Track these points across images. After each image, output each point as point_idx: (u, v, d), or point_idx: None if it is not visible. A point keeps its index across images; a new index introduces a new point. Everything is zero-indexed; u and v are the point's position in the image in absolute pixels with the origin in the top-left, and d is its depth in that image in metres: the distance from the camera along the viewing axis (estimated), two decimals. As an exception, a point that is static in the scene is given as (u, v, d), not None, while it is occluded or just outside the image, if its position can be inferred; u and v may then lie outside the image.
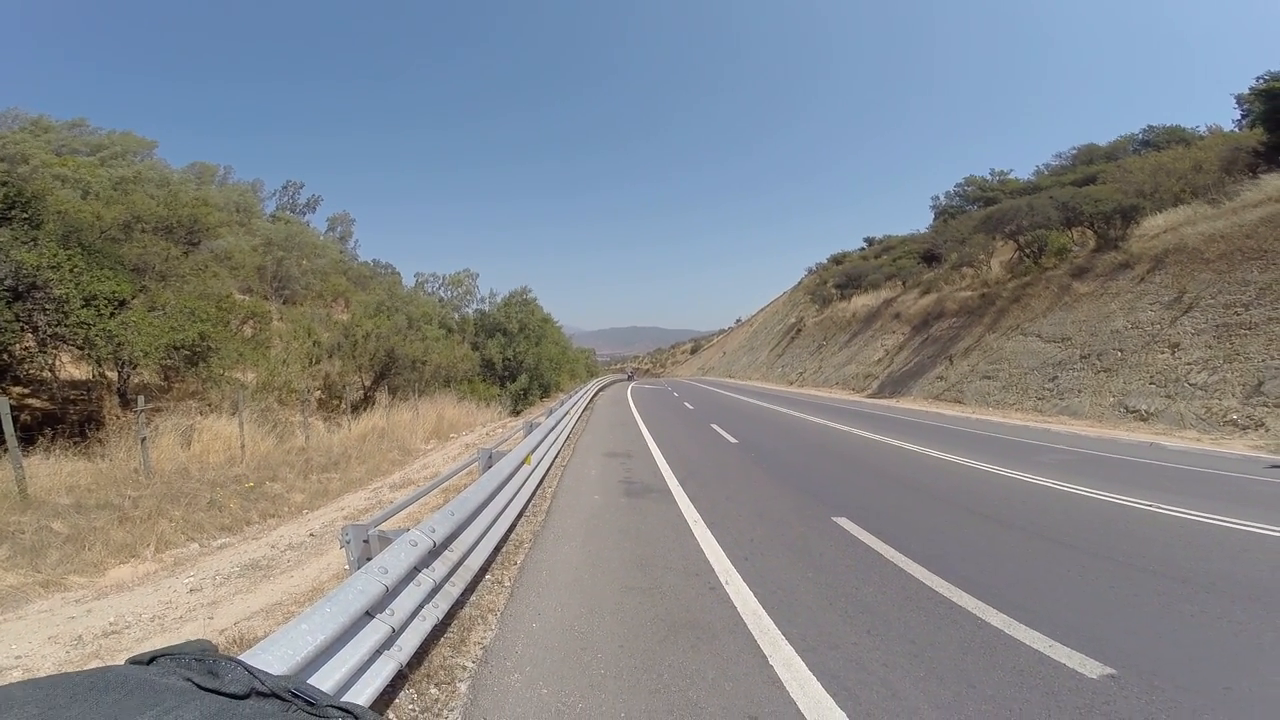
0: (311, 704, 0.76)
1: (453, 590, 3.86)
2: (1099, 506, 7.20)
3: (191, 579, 6.44)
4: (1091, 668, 3.36)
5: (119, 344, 10.37)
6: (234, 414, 11.43)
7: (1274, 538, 5.80)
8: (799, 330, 55.57)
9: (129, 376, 11.92)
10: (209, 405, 12.22)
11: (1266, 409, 12.86)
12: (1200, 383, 14.70)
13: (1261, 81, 21.50)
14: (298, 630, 2.16)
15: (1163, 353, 16.37)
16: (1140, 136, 34.74)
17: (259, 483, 9.69)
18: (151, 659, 0.77)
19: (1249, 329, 14.67)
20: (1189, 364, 15.38)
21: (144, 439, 8.86)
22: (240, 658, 0.82)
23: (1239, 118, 27.55)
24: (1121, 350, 17.74)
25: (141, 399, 9.23)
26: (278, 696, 0.75)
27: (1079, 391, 18.03)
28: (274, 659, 1.94)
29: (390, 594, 2.94)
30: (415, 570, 3.42)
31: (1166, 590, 4.52)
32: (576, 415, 18.21)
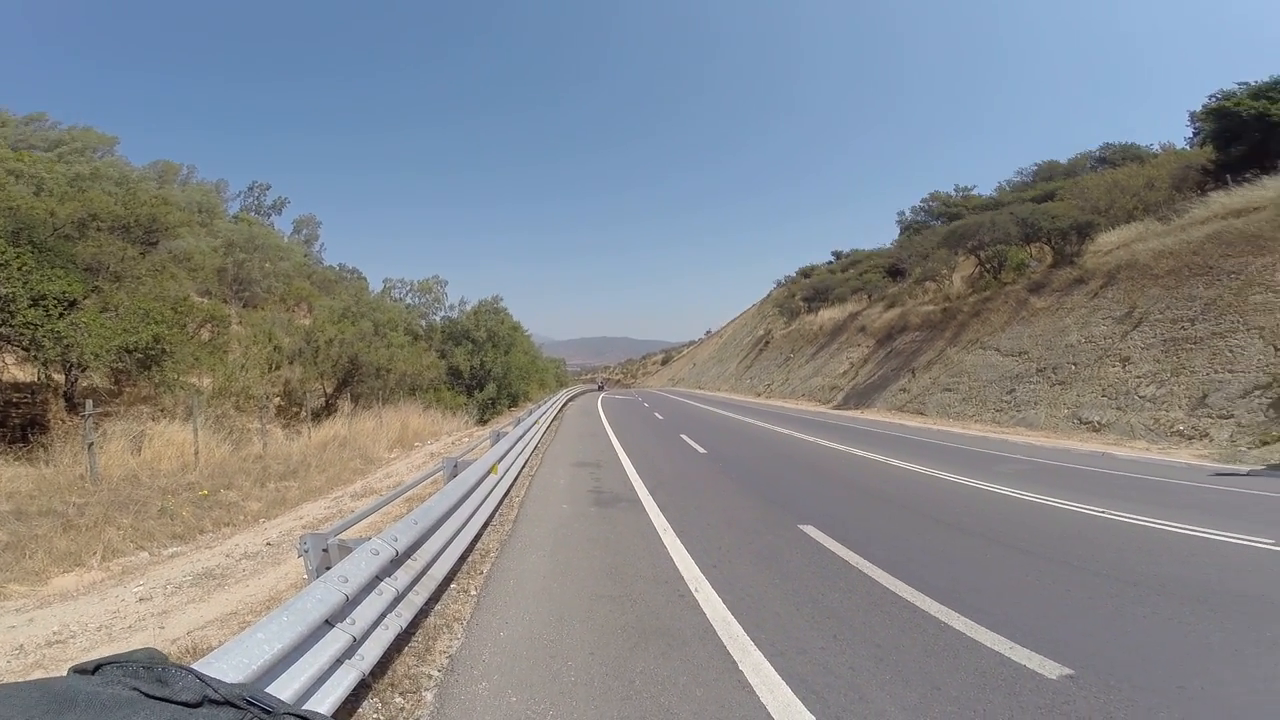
0: (268, 712, 0.74)
1: (416, 599, 3.77)
2: (1055, 513, 7.40)
3: (141, 588, 6.18)
4: (1050, 668, 3.44)
5: (67, 346, 9.95)
6: (188, 420, 11.05)
7: (1218, 541, 6.04)
8: (767, 343, 56.25)
9: (77, 380, 11.44)
10: (162, 411, 11.78)
11: (1210, 420, 13.43)
12: (1149, 395, 15.29)
13: (1213, 100, 22.31)
14: (253, 639, 2.08)
15: (1114, 366, 17.00)
16: (1098, 153, 36.09)
17: (213, 491, 9.36)
18: (96, 667, 0.73)
19: (1194, 343, 15.33)
20: (1139, 377, 16.00)
21: (91, 444, 8.49)
22: (193, 666, 0.79)
23: (1191, 135, 28.60)
24: (1075, 364, 18.36)
25: (90, 403, 8.85)
26: (231, 704, 0.72)
27: (1035, 404, 18.59)
28: (229, 668, 1.87)
29: (351, 603, 2.86)
30: (377, 579, 3.34)
31: (1120, 593, 4.66)
32: (545, 425, 18.08)
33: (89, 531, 7.10)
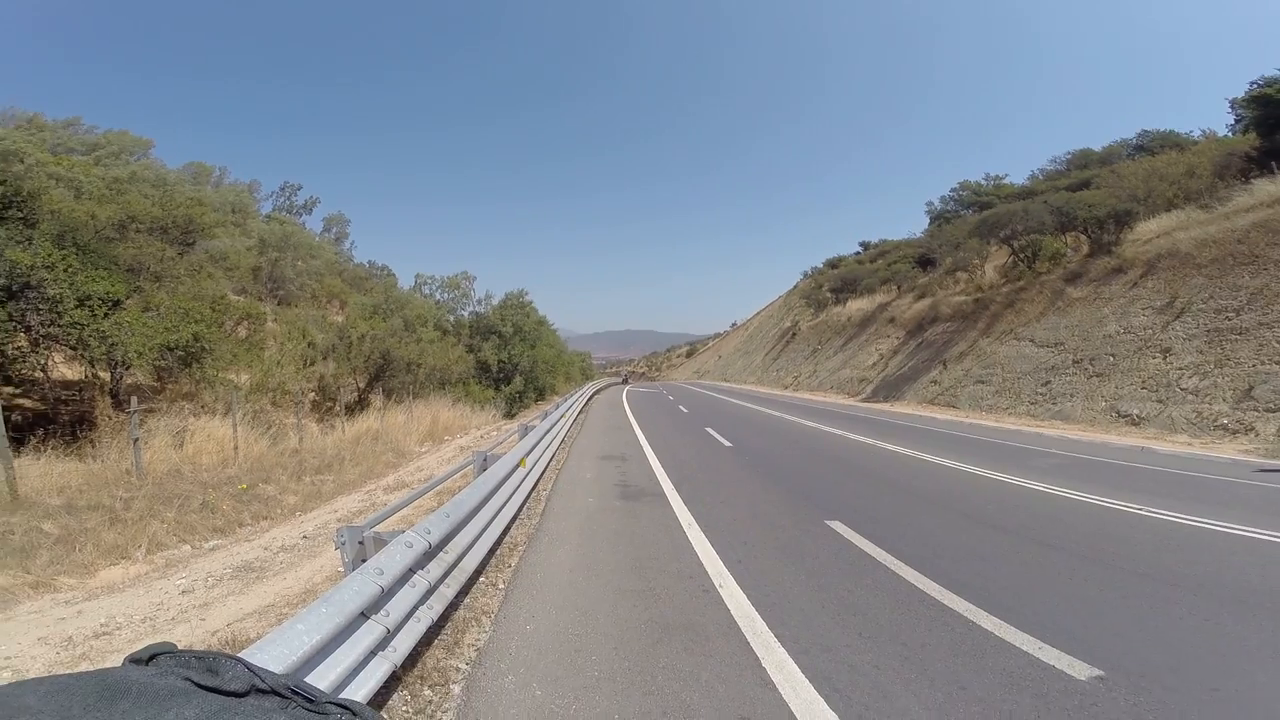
0: (311, 701, 0.76)
1: (447, 592, 3.87)
2: (1090, 510, 7.25)
3: (183, 580, 6.41)
4: (1080, 669, 3.40)
5: (112, 344, 10.33)
6: (227, 415, 11.40)
7: (1261, 540, 5.86)
8: (794, 334, 55.70)
9: (122, 377, 11.87)
10: (202, 407, 12.16)
11: (1256, 413, 12.97)
12: (1191, 387, 14.81)
13: (1255, 86, 21.54)
14: (294, 630, 2.17)
15: (1154, 358, 16.49)
16: (1135, 141, 34.87)
17: (252, 484, 9.65)
18: (150, 657, 0.76)
19: (1239, 334, 14.79)
20: (1180, 369, 15.50)
21: (136, 440, 8.82)
22: (248, 660, 0.83)
23: (1232, 122, 27.59)
24: (1114, 355, 17.86)
25: (135, 400, 9.19)
26: (277, 694, 0.75)
27: (1071, 396, 18.14)
28: (270, 659, 1.95)
29: (385, 595, 2.95)
30: (410, 572, 3.43)
31: (1155, 593, 4.56)
32: (571, 418, 18.22)
33: (134, 525, 7.38)
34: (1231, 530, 6.20)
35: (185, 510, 8.13)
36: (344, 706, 0.77)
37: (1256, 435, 12.42)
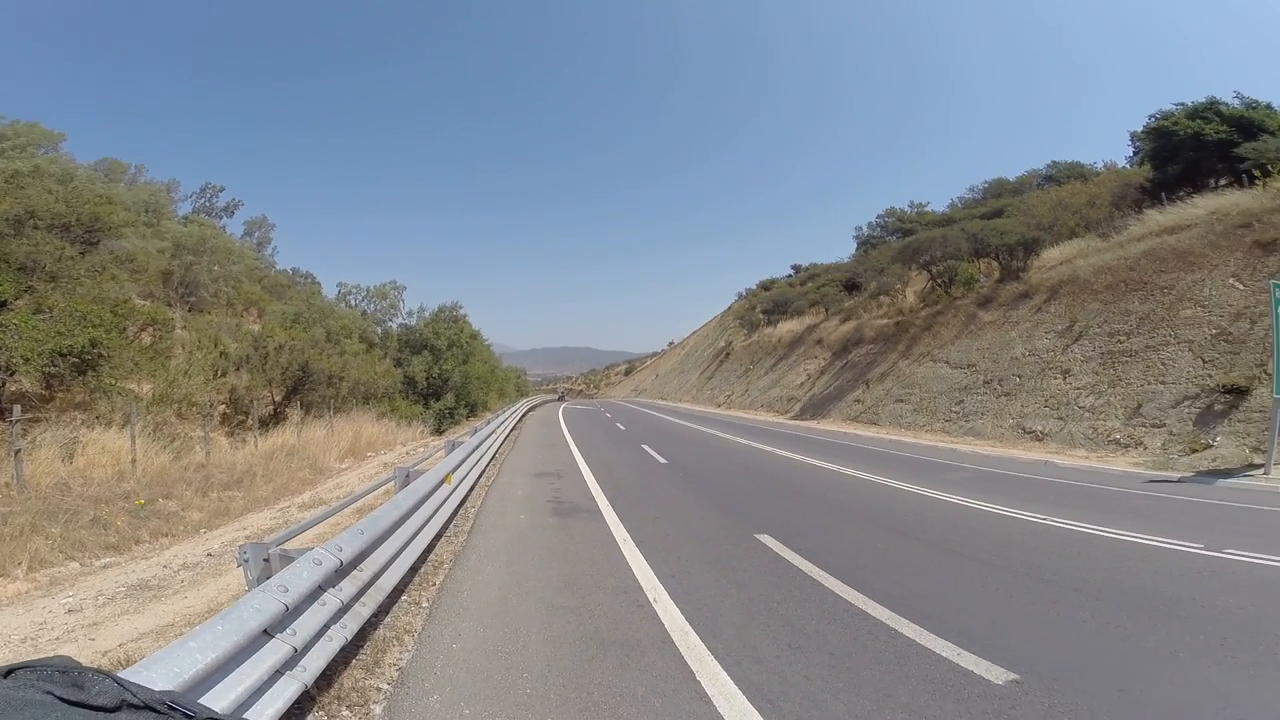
0: (189, 715, 0.73)
1: (363, 610, 3.66)
2: (999, 521, 7.65)
3: (70, 599, 5.85)
4: (997, 674, 3.53)
5: (-6, 349, 9.41)
6: (125, 427, 10.53)
7: (1151, 546, 6.32)
8: (728, 354, 56.80)
9: (4, 384, 10.80)
10: (97, 418, 11.19)
11: (1145, 429, 14.09)
12: (1088, 405, 15.97)
13: (1153, 120, 23.20)
14: (185, 648, 1.98)
15: (1056, 378, 17.70)
16: (1044, 171, 37.42)
17: (151, 500, 8.93)
18: (8, 672, 0.70)
19: (1130, 356, 16.09)
20: (1078, 388, 16.69)
21: (18, 450, 8.02)
22: (119, 674, 0.77)
23: (1131, 154, 29.66)
24: (1020, 376, 19.06)
25: (18, 408, 8.37)
26: (152, 709, 0.70)
27: (982, 414, 19.21)
28: (158, 676, 1.78)
29: (291, 613, 2.75)
30: (320, 589, 3.23)
31: (1060, 598, 4.82)
32: (504, 435, 17.85)
33: (14, 541, 6.70)
34: (1125, 537, 6.66)
35: (74, 526, 7.44)
36: None
37: (1145, 449, 13.48)
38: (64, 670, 0.71)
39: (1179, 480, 10.66)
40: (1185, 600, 4.72)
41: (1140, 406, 14.67)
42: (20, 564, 6.48)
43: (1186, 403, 13.82)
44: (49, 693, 0.67)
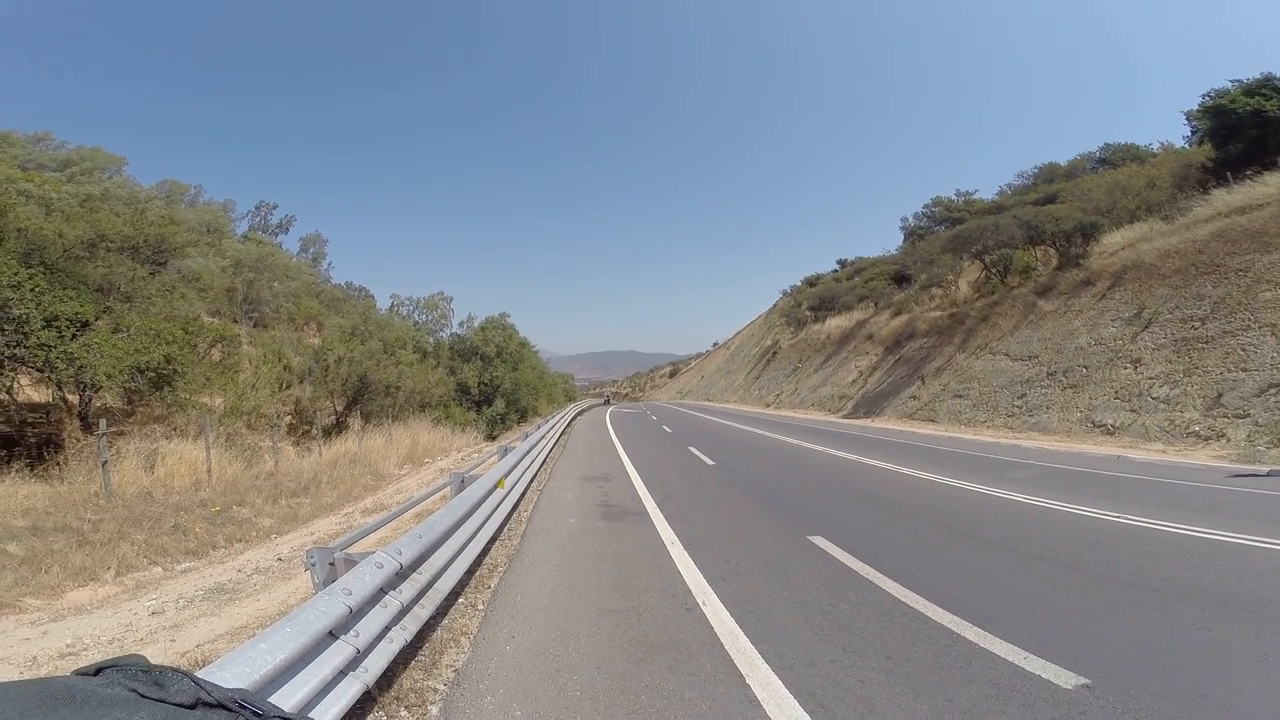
0: (259, 714, 0.77)
1: (422, 613, 3.76)
2: (1069, 519, 7.31)
3: (153, 602, 6.21)
4: (1066, 678, 3.38)
5: (80, 366, 10.06)
6: (200, 438, 11.13)
7: (1238, 545, 5.94)
8: (775, 353, 56.11)
9: (91, 400, 11.55)
10: (174, 430, 11.86)
11: (1226, 420, 13.25)
12: (1162, 396, 15.11)
13: (1207, 99, 22.30)
14: (256, 649, 2.09)
15: (1125, 368, 16.83)
16: (1098, 154, 35.86)
17: (225, 507, 9.41)
18: (98, 670, 0.76)
19: (1206, 343, 15.16)
20: (1151, 378, 15.82)
21: (105, 462, 8.57)
22: (195, 674, 0.82)
23: (1189, 134, 28.36)
24: (1086, 367, 18.19)
25: (104, 422, 8.94)
26: (224, 707, 0.75)
27: (1047, 408, 18.41)
28: (230, 676, 1.88)
29: (354, 615, 2.86)
30: (381, 592, 3.34)
31: (1137, 600, 4.57)
32: (553, 439, 18.09)
33: (103, 547, 7.16)
34: (1208, 535, 6.27)
35: (156, 532, 7.90)
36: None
37: (1228, 441, 12.67)
38: (146, 669, 0.77)
39: (1268, 474, 9.98)
40: (1276, 601, 4.42)
41: (1220, 396, 13.80)
42: (109, 568, 6.92)
43: (1272, 390, 12.94)
44: (133, 690, 0.71)
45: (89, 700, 0.67)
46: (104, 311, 11.86)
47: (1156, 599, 4.57)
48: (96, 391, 11.30)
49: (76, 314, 10.42)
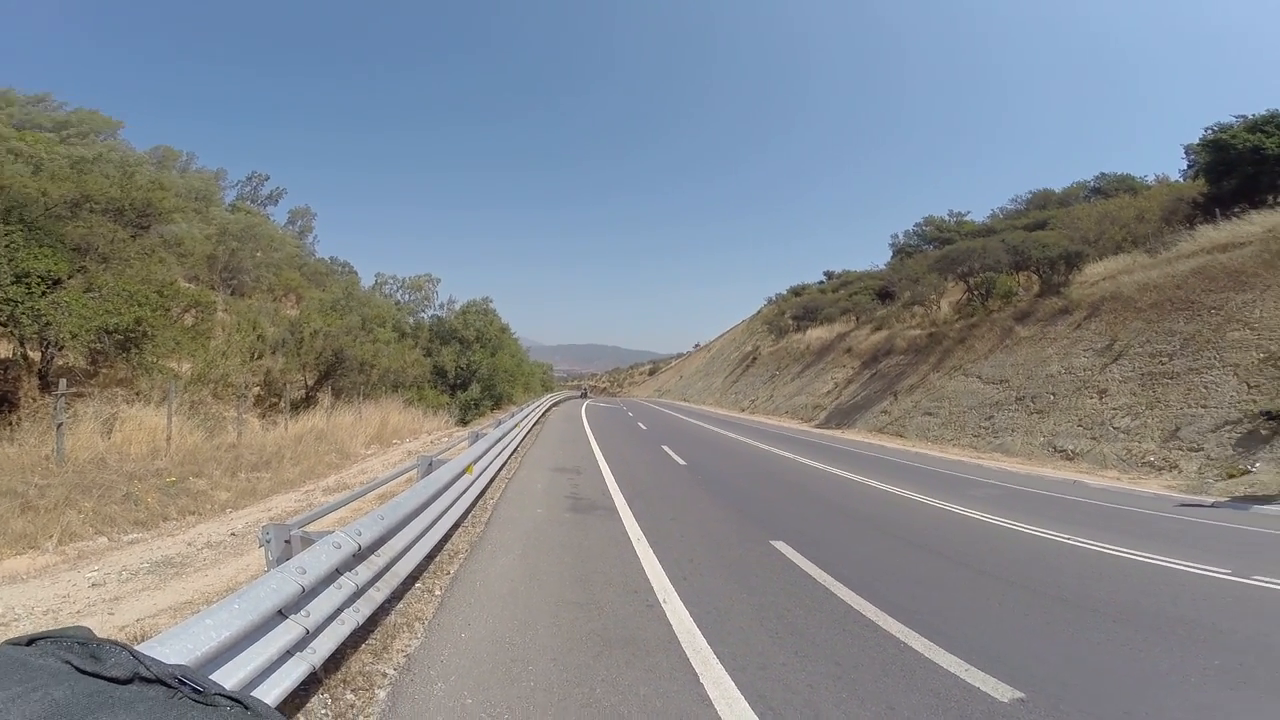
0: (199, 691, 0.75)
1: (377, 596, 3.75)
2: (1022, 539, 7.49)
3: (95, 573, 6.08)
4: (1003, 691, 3.48)
5: (46, 323, 9.82)
6: (163, 404, 10.90)
7: (1177, 570, 6.14)
8: (754, 359, 56.41)
9: (53, 358, 11.27)
10: (137, 394, 11.60)
11: (1181, 452, 13.64)
12: (1124, 426, 15.50)
13: (1209, 132, 22.09)
14: (200, 625, 2.07)
15: (1091, 398, 17.22)
16: (1092, 184, 36.15)
17: (182, 478, 9.23)
18: (31, 640, 0.73)
19: (1171, 378, 15.57)
20: (1115, 409, 16.21)
21: (60, 425, 8.35)
22: (135, 648, 0.81)
23: (1185, 168, 28.25)
24: (1054, 394, 18.58)
25: (63, 382, 8.71)
26: (163, 682, 0.73)
27: (1012, 431, 18.77)
28: (171, 652, 1.86)
29: (307, 594, 2.84)
30: (337, 573, 3.32)
31: (1077, 619, 4.72)
32: (527, 429, 18.03)
33: (48, 514, 6.96)
34: (1151, 561, 6.47)
35: (106, 501, 7.71)
36: (235, 699, 0.76)
37: (1180, 472, 13.05)
38: (83, 641, 0.75)
39: (1212, 505, 10.31)
40: (1205, 625, 4.60)
41: (1178, 429, 14.21)
42: (51, 536, 6.73)
43: (1227, 427, 13.34)
44: (67, 662, 0.69)
45: (15, 669, 0.65)
46: (78, 270, 11.57)
47: (1095, 619, 4.72)
48: (60, 350, 11.02)
49: (49, 271, 10.17)
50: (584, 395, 68.53)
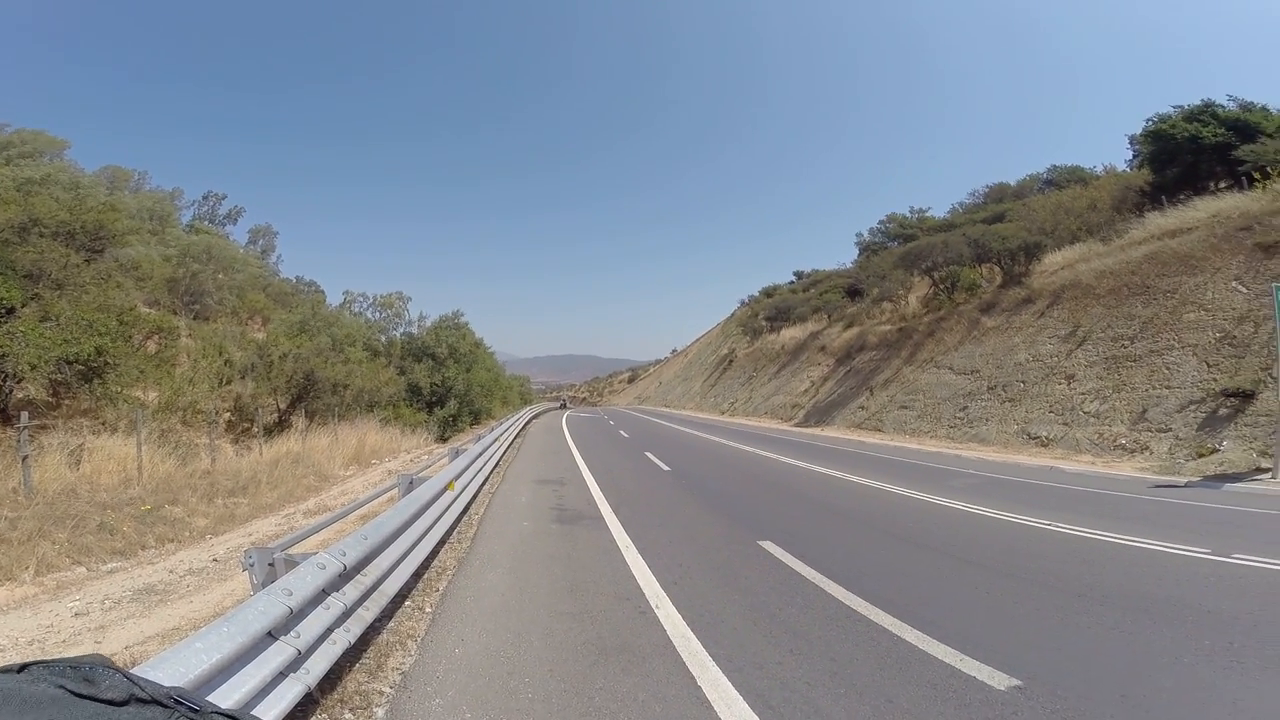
0: (195, 710, 0.74)
1: (366, 615, 3.68)
2: (1004, 527, 7.62)
3: (77, 603, 5.89)
4: (999, 679, 3.52)
5: (2, 355, 9.48)
6: (131, 434, 10.58)
7: (1157, 552, 6.29)
8: (731, 361, 56.79)
9: (12, 391, 10.87)
10: (103, 424, 11.24)
11: (1150, 434, 14.05)
12: (1093, 411, 15.92)
13: (1150, 123, 23.13)
14: (190, 649, 2.01)
15: (1060, 384, 17.67)
16: (1045, 175, 37.27)
17: (157, 506, 8.97)
18: (22, 667, 0.72)
19: (1134, 361, 16.05)
20: (1083, 394, 16.65)
21: (25, 457, 8.07)
22: (129, 671, 0.79)
23: (1130, 158, 29.42)
24: (1024, 382, 19.02)
25: (25, 415, 8.43)
26: (159, 703, 0.73)
27: (987, 420, 19.16)
28: (164, 676, 1.79)
29: (295, 616, 2.78)
30: (324, 593, 3.25)
31: (1065, 604, 4.80)
32: (507, 442, 17.88)
33: (21, 546, 6.74)
34: (1133, 543, 6.63)
35: (80, 531, 7.48)
36: (231, 717, 0.77)
37: (1151, 454, 13.43)
38: (75, 665, 0.73)
39: (1185, 485, 10.62)
40: (1191, 605, 4.70)
41: (1145, 411, 14.63)
42: (27, 568, 6.52)
43: (1192, 407, 13.78)
44: (61, 687, 0.68)
45: (11, 698, 0.64)
46: (32, 298, 11.20)
47: (1083, 603, 4.81)
48: (19, 382, 10.65)
49: (1, 300, 9.82)
50: (564, 406, 68.25)
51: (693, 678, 3.63)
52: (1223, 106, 21.06)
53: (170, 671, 1.85)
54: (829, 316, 41.40)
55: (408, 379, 27.96)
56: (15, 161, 30.00)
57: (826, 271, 55.78)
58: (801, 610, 4.75)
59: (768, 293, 65.52)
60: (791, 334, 45.02)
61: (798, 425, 30.15)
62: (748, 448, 18.82)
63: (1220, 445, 12.34)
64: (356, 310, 33.36)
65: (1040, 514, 8.12)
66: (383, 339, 31.61)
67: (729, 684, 3.54)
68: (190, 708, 0.74)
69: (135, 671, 1.72)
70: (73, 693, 0.68)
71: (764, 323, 53.08)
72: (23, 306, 10.69)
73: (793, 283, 63.24)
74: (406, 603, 4.92)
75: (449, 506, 7.03)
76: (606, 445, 20.55)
